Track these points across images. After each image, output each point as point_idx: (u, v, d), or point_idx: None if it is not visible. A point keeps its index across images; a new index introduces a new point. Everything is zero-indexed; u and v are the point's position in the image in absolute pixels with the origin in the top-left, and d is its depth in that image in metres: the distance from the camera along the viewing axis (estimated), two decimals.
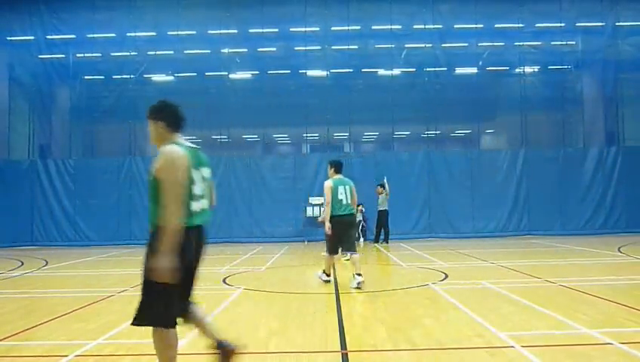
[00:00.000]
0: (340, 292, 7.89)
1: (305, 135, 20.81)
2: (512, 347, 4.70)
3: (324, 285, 8.87)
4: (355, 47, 20.05)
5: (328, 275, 8.86)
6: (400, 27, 19.71)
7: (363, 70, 20.26)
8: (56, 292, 9.12)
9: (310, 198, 18.62)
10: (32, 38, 19.95)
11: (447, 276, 9.24)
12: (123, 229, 18.63)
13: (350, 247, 8.39)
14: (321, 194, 18.13)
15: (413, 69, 20.12)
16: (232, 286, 8.61)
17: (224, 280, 9.32)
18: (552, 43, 20.00)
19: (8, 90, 19.84)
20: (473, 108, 19.76)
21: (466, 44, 20.28)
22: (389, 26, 19.66)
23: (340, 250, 8.70)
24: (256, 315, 6.47)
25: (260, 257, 13.41)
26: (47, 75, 20.10)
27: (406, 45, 19.91)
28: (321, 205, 18.15)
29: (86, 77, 20.45)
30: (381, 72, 20.37)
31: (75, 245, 18.26)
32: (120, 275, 11.02)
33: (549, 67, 20.11)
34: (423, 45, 19.82)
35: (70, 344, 5.11)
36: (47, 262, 13.18)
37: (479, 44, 20.14)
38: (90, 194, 18.62)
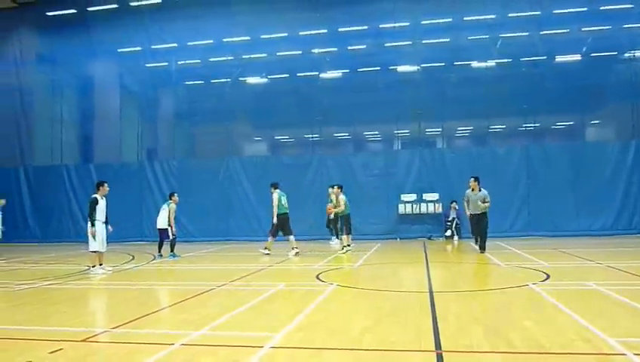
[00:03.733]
0: (433, 291, 7.75)
1: (396, 131, 20.61)
2: (624, 354, 4.36)
3: (417, 283, 8.82)
4: (447, 39, 19.52)
5: (269, 252, 13.75)
6: (494, 16, 18.90)
7: (455, 63, 19.64)
8: (163, 284, 9.78)
9: (402, 195, 18.44)
10: (139, 48, 21.54)
11: (548, 276, 8.74)
12: (221, 226, 19.54)
13: (289, 232, 13.77)
14: (412, 191, 18.18)
15: (509, 60, 19.23)
16: (326, 283, 8.74)
17: (318, 276, 9.48)
18: None
19: (119, 98, 21.61)
20: (576, 97, 18.39)
21: (567, 30, 18.99)
22: (483, 16, 18.93)
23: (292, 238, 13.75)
24: (350, 312, 6.53)
25: (353, 254, 13.48)
26: (153, 83, 21.70)
27: (501, 35, 19.04)
28: (413, 202, 18.07)
29: (187, 82, 21.72)
30: (474, 64, 19.67)
31: (178, 241, 19.38)
32: (219, 270, 11.58)
33: None
34: (519, 34, 18.89)
35: (176, 333, 5.45)
36: (154, 257, 14.17)
37: (582, 29, 18.79)
38: (192, 193, 19.65)
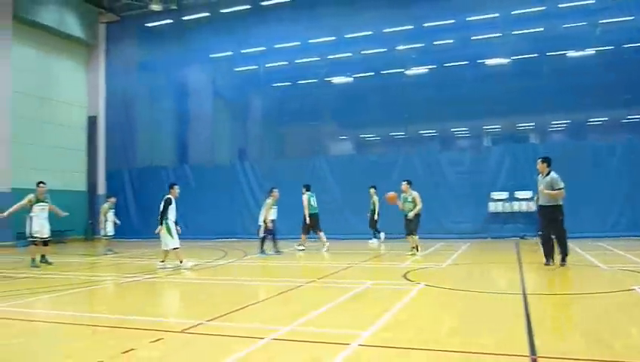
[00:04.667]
0: (527, 293, 7.42)
1: (485, 127, 19.91)
2: None
3: (509, 284, 8.50)
4: (540, 29, 18.55)
5: (303, 248, 14.88)
6: (592, 1, 17.70)
7: (549, 54, 18.59)
8: (254, 280, 10.14)
9: (492, 193, 17.79)
10: (229, 53, 22.51)
11: None
12: None
13: (319, 230, 14.87)
14: (504, 188, 17.56)
15: (610, 47, 17.89)
16: (413, 282, 8.64)
17: (404, 276, 9.39)
18: None
19: (212, 102, 22.71)
20: None
21: None
22: (580, 2, 17.78)
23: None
24: (438, 312, 6.42)
25: (441, 254, 13.23)
26: (242, 86, 22.61)
27: (600, 21, 17.78)
28: (504, 200, 17.46)
29: (275, 84, 22.36)
30: (571, 53, 18.50)
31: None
32: (306, 267, 11.82)
33: None
34: (621, 19, 17.53)
35: (266, 328, 5.63)
36: (246, 253, 14.71)
37: None
38: (281, 192, 20.09)
